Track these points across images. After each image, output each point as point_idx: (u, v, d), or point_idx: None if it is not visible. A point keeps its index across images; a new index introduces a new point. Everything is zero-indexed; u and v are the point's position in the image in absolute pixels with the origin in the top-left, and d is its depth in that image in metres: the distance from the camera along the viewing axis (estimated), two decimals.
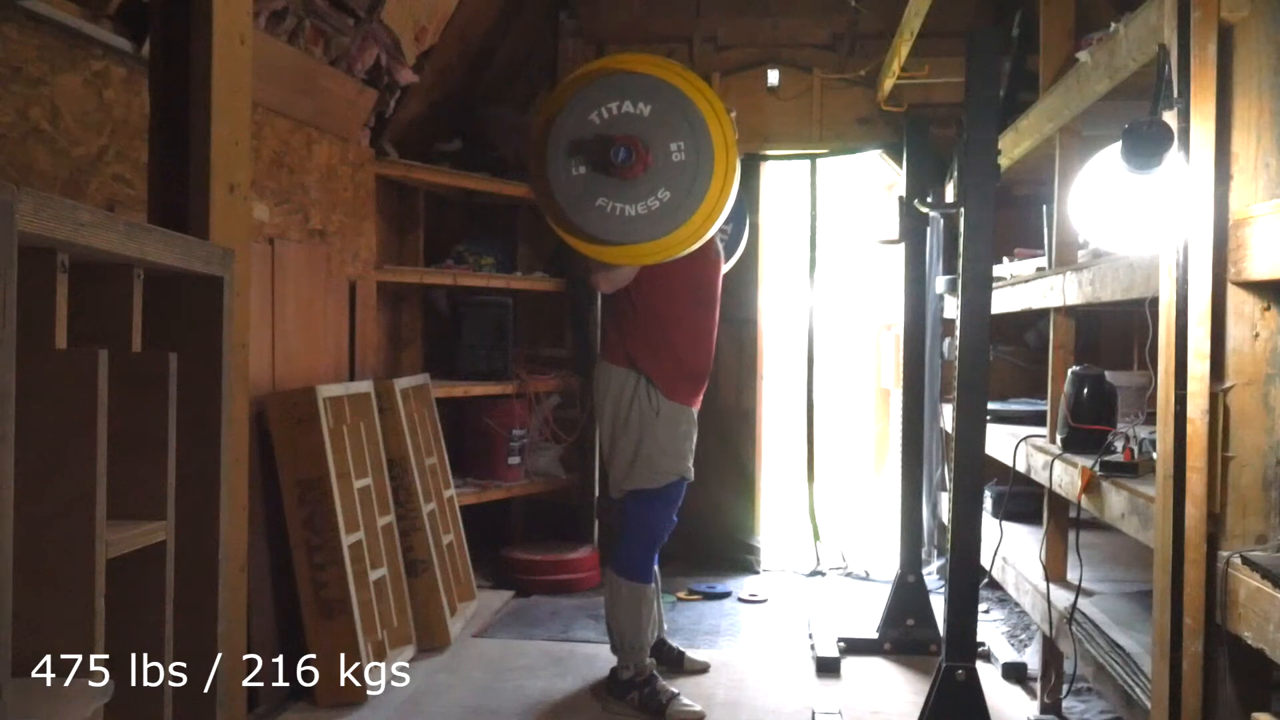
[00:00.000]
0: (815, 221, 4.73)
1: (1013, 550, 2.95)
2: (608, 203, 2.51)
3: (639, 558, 2.93)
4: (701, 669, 3.22)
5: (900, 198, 3.49)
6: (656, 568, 3.02)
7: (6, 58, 2.05)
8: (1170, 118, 1.76)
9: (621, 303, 2.93)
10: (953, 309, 3.42)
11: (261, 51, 2.65)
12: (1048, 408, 2.78)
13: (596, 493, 4.52)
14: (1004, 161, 2.85)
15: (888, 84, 4.21)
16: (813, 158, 4.69)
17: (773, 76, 4.66)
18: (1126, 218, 2.06)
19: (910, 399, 3.52)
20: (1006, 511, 3.15)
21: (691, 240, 2.60)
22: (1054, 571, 2.62)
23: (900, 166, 3.79)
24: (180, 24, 1.77)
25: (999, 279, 3.12)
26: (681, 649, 3.26)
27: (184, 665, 1.49)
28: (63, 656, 1.20)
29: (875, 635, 3.38)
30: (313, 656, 2.87)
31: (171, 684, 1.42)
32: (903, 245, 3.50)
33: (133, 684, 1.37)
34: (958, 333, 2.41)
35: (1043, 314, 3.15)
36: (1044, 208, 2.97)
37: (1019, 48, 3.36)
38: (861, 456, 6.77)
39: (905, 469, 3.50)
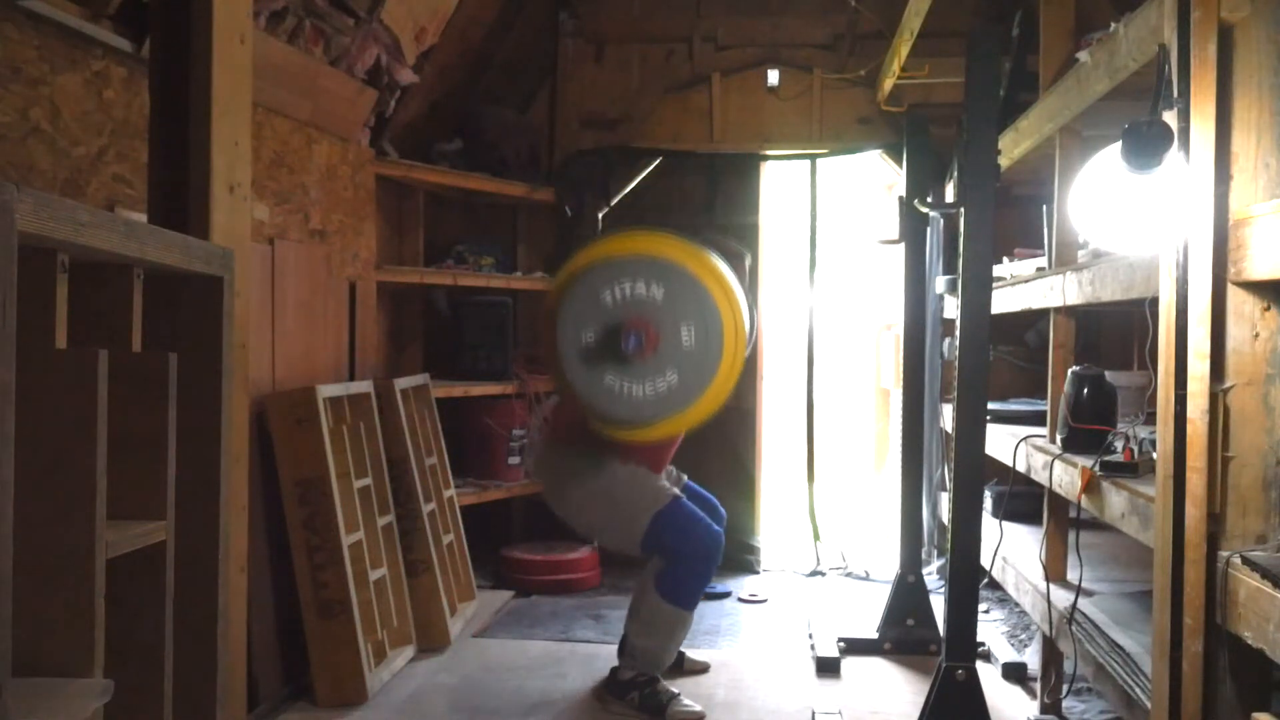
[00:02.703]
0: (815, 221, 4.73)
1: (1013, 550, 2.95)
2: (616, 381, 2.52)
3: (691, 582, 2.87)
4: (701, 669, 3.22)
5: (900, 198, 3.49)
6: None
7: (6, 58, 2.05)
8: (1170, 118, 1.76)
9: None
10: (953, 309, 3.42)
11: (261, 51, 2.65)
12: (1048, 408, 2.78)
13: None
14: (1004, 161, 2.85)
15: (888, 84, 4.21)
16: (813, 158, 4.69)
17: (773, 76, 4.66)
18: (1126, 218, 2.06)
19: (910, 399, 3.52)
20: (1006, 511, 3.15)
21: (695, 421, 2.64)
22: (1054, 571, 2.62)
23: (900, 166, 3.79)
24: (180, 24, 1.77)
25: (999, 279, 3.12)
26: (682, 649, 3.25)
27: (184, 664, 1.49)
28: (63, 656, 1.20)
29: (875, 635, 3.38)
30: (313, 656, 2.87)
31: (171, 684, 1.42)
32: (903, 245, 3.50)
33: (133, 684, 1.37)
34: (958, 333, 2.41)
35: (1043, 314, 3.16)
36: (1044, 208, 2.97)
37: (1019, 48, 3.35)
38: (861, 456, 6.77)
39: (905, 469, 3.50)
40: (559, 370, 2.56)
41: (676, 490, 2.94)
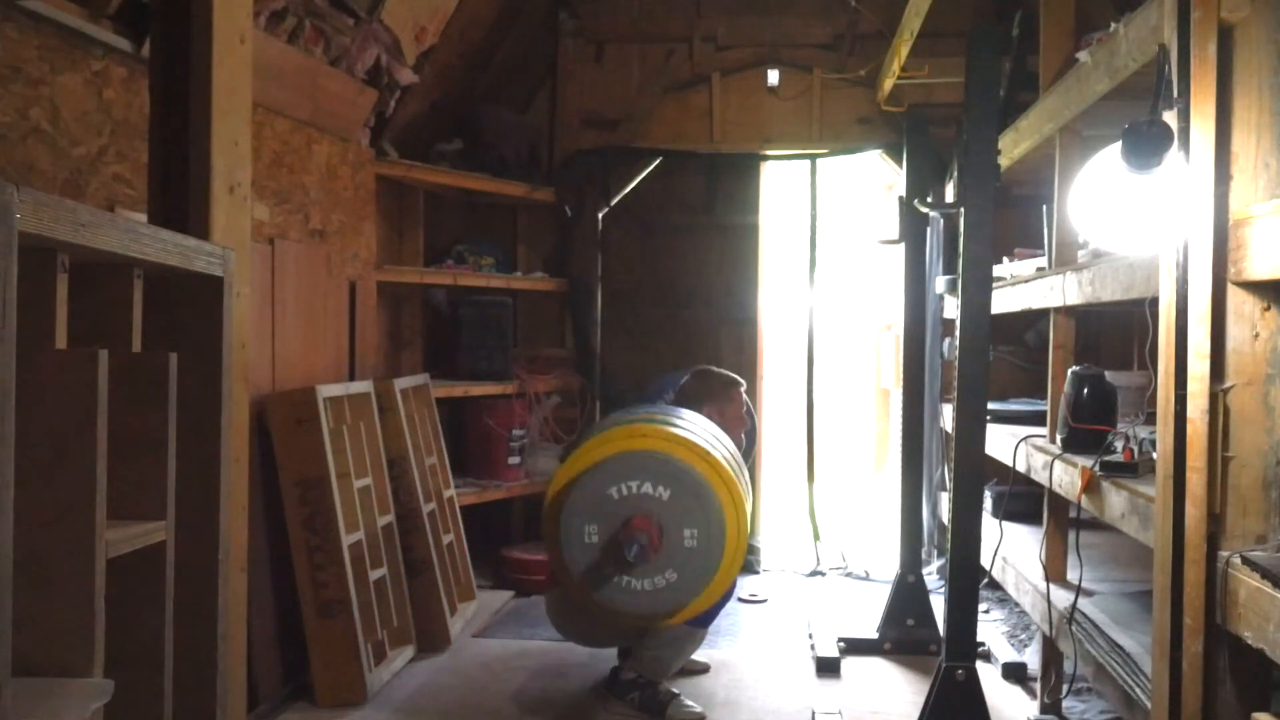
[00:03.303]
0: (815, 221, 4.73)
1: (1013, 550, 2.95)
2: (616, 573, 2.55)
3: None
4: (701, 669, 3.22)
5: (900, 198, 3.49)
6: None
7: (6, 58, 2.05)
8: (1170, 118, 1.76)
9: None
10: (953, 309, 3.42)
11: (261, 51, 2.65)
12: (1048, 408, 2.78)
13: None
14: (1004, 161, 2.85)
15: (888, 84, 4.21)
16: (813, 158, 4.69)
17: (773, 76, 4.66)
18: (1126, 218, 2.06)
19: (910, 399, 3.52)
20: (1006, 511, 3.15)
21: (695, 612, 2.68)
22: (1054, 571, 2.62)
23: (900, 166, 3.79)
24: (180, 24, 1.77)
25: (999, 279, 3.12)
26: None
27: (184, 665, 1.49)
28: (63, 656, 1.20)
29: (875, 635, 3.38)
30: (313, 656, 2.87)
31: (171, 684, 1.42)
32: (903, 245, 3.50)
33: (133, 684, 1.37)
34: (958, 333, 2.41)
35: (1043, 314, 3.15)
36: (1044, 208, 2.97)
37: (1019, 48, 3.36)
38: (861, 456, 6.77)
39: (905, 469, 3.50)
40: (560, 559, 2.60)
41: None
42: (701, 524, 2.54)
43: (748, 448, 3.26)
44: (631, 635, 2.90)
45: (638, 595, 2.56)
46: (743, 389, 3.05)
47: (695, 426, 2.76)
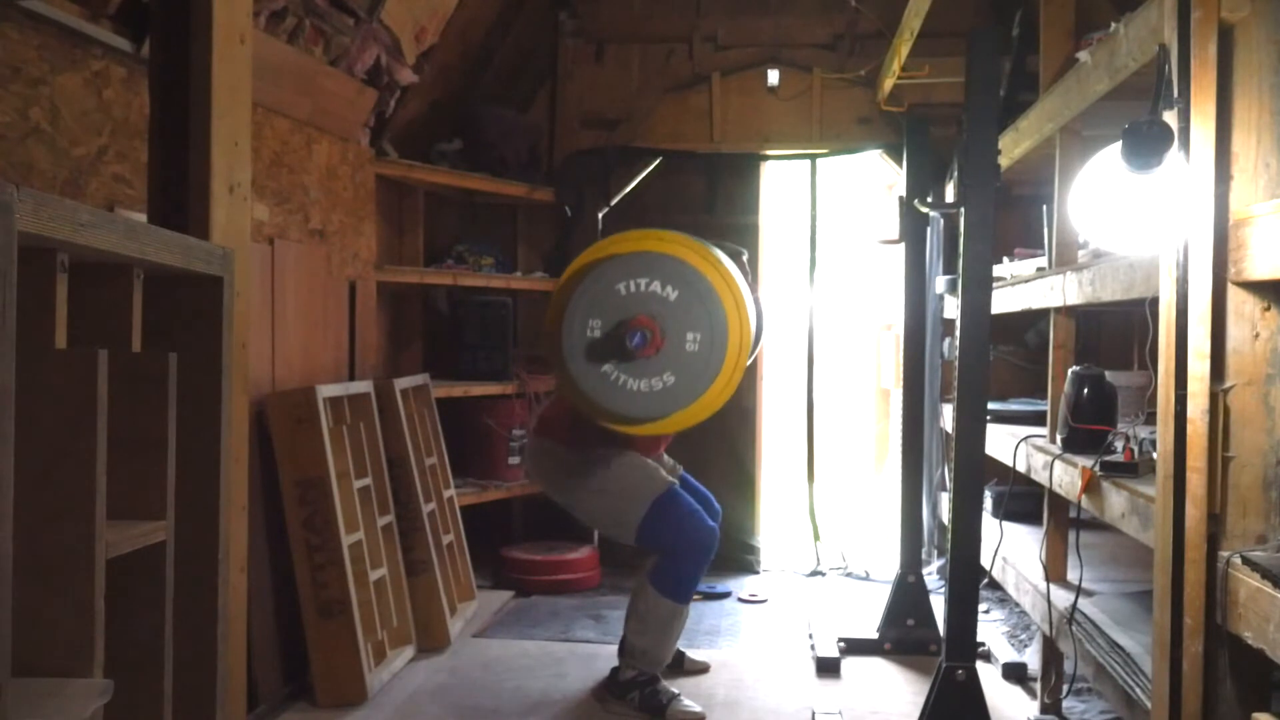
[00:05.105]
0: (815, 221, 4.73)
1: (1013, 550, 2.95)
2: (613, 370, 2.52)
3: (685, 576, 2.87)
4: (701, 669, 3.23)
5: (900, 198, 3.49)
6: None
7: (6, 58, 2.05)
8: (1170, 118, 1.76)
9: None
10: (953, 309, 3.42)
11: (261, 51, 2.65)
12: (1048, 408, 2.78)
13: None
14: (1004, 161, 2.85)
15: (888, 84, 4.21)
16: (813, 158, 4.69)
17: (773, 76, 4.66)
18: (1126, 218, 2.06)
19: (910, 399, 3.52)
20: (1006, 511, 3.15)
21: (680, 426, 2.65)
22: (1054, 571, 2.62)
23: (900, 166, 3.79)
24: (180, 24, 1.77)
25: (999, 279, 3.12)
26: (681, 649, 3.25)
27: (184, 665, 1.49)
28: (63, 656, 1.20)
29: (875, 635, 3.38)
30: (313, 656, 2.87)
31: (171, 684, 1.42)
32: (903, 245, 3.51)
33: (133, 684, 1.37)
34: (958, 333, 2.41)
35: (1043, 314, 3.16)
36: (1044, 208, 2.97)
37: (1019, 48, 3.36)
38: (861, 456, 6.77)
39: (905, 469, 3.50)
40: (559, 350, 2.56)
41: (673, 480, 2.95)
42: (705, 329, 2.51)
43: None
44: (601, 510, 2.90)
45: (632, 396, 2.52)
46: (744, 257, 3.06)
47: (713, 248, 2.75)
